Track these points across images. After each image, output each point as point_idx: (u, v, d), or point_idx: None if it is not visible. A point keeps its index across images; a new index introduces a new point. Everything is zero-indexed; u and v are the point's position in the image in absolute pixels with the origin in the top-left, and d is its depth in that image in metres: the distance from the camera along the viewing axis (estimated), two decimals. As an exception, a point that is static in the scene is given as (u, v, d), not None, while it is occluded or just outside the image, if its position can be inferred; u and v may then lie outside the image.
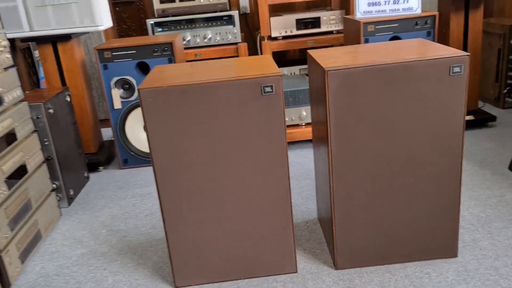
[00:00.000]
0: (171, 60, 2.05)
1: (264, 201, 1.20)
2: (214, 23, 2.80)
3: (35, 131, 1.64)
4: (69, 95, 1.96)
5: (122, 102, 2.10)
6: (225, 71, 1.18)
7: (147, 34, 3.17)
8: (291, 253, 1.28)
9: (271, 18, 2.76)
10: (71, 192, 1.89)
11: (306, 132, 2.20)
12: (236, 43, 2.83)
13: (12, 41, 2.25)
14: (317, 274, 1.28)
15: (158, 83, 1.12)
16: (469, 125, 2.27)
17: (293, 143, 2.27)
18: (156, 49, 2.04)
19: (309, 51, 1.36)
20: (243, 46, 2.78)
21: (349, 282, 1.24)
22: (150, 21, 2.44)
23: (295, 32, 2.85)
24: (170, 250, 1.25)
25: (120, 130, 2.14)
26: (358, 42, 2.06)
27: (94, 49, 2.02)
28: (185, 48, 2.81)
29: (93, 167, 2.20)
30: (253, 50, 3.36)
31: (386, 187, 1.21)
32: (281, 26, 2.82)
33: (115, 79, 2.07)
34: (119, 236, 1.60)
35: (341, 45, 3.22)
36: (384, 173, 1.20)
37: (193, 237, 1.23)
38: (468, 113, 2.27)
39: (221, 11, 2.66)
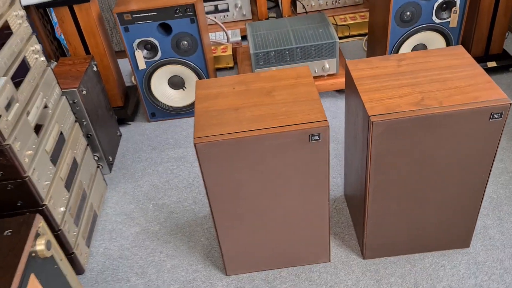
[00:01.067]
0: (193, 21, 1.98)
1: (306, 217, 1.36)
2: None
3: (76, 121, 1.70)
4: (95, 65, 1.95)
5: (145, 62, 2.09)
6: (271, 110, 1.22)
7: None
8: (326, 248, 1.47)
9: None
10: (111, 159, 2.02)
11: (329, 84, 2.23)
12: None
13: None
14: (348, 264, 1.50)
15: (210, 132, 1.17)
16: (490, 71, 2.28)
17: (314, 90, 2.30)
18: (177, 10, 1.95)
19: (348, 64, 1.36)
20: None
21: (375, 273, 1.46)
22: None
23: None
24: (222, 249, 1.44)
25: (146, 88, 2.16)
26: (387, 8, 1.96)
27: (113, 12, 1.93)
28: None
29: (122, 121, 2.28)
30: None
31: (416, 198, 1.35)
32: None
33: (137, 41, 2.02)
34: (165, 212, 1.79)
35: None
36: (416, 190, 1.32)
37: (242, 238, 1.41)
38: (492, 58, 2.27)
39: None
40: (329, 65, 2.20)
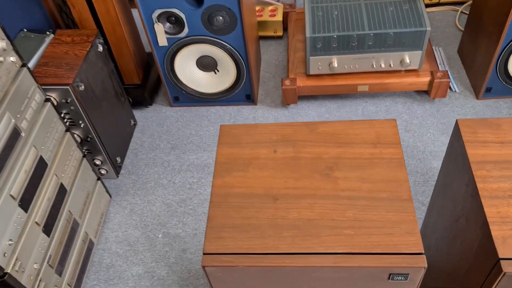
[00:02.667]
0: (233, -9, 1.44)
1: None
2: None
3: (67, 130, 1.29)
4: (101, 44, 1.49)
5: (168, 38, 1.60)
6: (330, 212, 0.76)
7: None
8: None
9: None
10: (118, 160, 1.63)
11: (406, 83, 1.68)
12: None
13: None
14: None
15: (228, 245, 0.74)
16: None
17: (383, 95, 1.75)
18: (212, -24, 1.41)
19: (460, 124, 0.85)
20: None
21: None
22: None
23: None
24: None
25: (169, 68, 1.70)
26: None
27: (126, -27, 1.43)
28: None
29: (139, 104, 1.85)
30: None
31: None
32: None
33: (157, 11, 1.52)
34: (177, 248, 1.42)
35: None
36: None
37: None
38: None
39: None
40: (411, 59, 1.63)
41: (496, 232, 0.71)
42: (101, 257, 1.42)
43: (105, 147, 1.53)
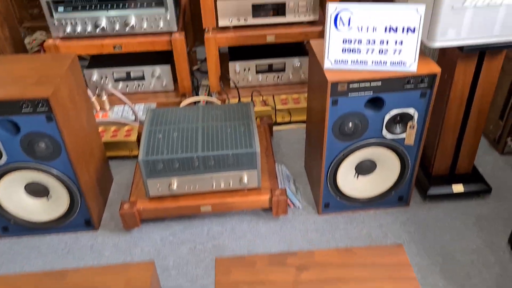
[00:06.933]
0: (50, 119, 1.40)
1: None
2: (139, 4, 2.07)
3: None
4: None
5: (-13, 166, 1.50)
6: None
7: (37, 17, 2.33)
8: None
9: (218, 1, 2.10)
10: None
11: (249, 201, 1.66)
12: (170, 33, 2.14)
13: None
14: None
15: None
16: (457, 199, 1.77)
17: (229, 214, 1.73)
18: (24, 105, 1.37)
19: (216, 266, 0.80)
20: (180, 39, 2.11)
21: None
22: None
23: (251, 21, 2.17)
24: None
25: (-9, 197, 1.56)
26: (324, 101, 1.44)
27: None
28: (101, 37, 2.11)
29: (-38, 235, 1.66)
30: (194, 40, 2.67)
31: None
32: (232, 12, 2.13)
33: (-31, 139, 1.43)
34: None
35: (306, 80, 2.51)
36: None
37: None
38: (459, 178, 1.76)
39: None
40: (248, 178, 1.65)
41: None
42: None
43: None
